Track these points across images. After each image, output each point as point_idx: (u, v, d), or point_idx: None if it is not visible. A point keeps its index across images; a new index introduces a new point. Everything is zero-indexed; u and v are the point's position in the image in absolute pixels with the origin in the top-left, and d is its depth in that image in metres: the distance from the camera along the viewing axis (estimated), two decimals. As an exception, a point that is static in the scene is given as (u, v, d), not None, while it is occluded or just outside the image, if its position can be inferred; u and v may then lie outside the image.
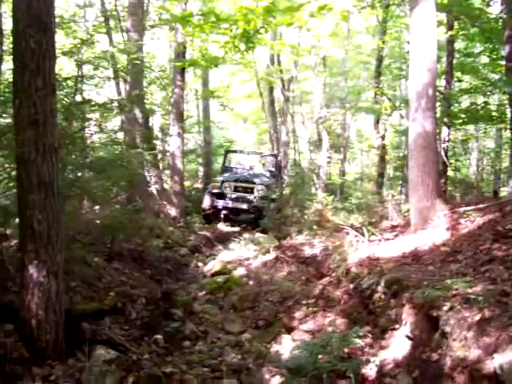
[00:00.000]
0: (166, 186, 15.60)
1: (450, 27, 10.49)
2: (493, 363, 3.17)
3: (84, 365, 3.58)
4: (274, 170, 16.23)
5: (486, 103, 10.74)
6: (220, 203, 14.00)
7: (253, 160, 17.34)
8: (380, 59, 16.14)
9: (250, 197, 14.01)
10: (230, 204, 13.94)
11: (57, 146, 3.44)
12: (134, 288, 6.55)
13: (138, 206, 8.69)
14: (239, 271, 7.96)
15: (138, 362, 3.97)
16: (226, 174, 15.39)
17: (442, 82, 11.13)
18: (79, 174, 6.09)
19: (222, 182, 14.51)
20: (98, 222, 6.92)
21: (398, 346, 4.30)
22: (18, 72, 3.34)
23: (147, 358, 4.20)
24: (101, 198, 6.77)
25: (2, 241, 5.43)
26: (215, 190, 14.23)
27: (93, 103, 7.39)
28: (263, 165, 16.82)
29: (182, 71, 13.37)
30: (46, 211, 3.37)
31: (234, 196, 14.13)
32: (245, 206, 13.87)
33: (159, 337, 5.20)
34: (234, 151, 18.45)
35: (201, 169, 21.81)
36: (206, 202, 14.15)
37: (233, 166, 16.51)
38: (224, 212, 14.26)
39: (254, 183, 14.34)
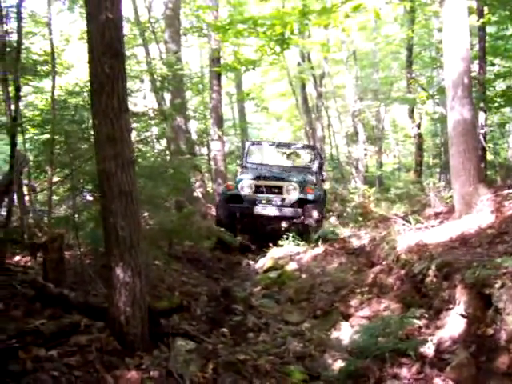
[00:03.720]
0: (208, 189, 16.00)
1: (481, 13, 10.59)
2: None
3: (168, 355, 3.96)
4: (311, 164, 12.72)
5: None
6: (236, 210, 10.97)
7: (284, 154, 13.67)
8: (410, 48, 16.25)
9: (278, 199, 10.79)
10: (250, 210, 10.71)
11: (133, 159, 3.84)
12: (195, 287, 6.93)
13: (192, 210, 9.09)
14: (291, 266, 8.26)
15: (215, 351, 4.33)
16: (244, 172, 11.91)
17: (475, 68, 11.23)
18: (141, 183, 6.49)
19: (239, 180, 11.22)
20: (155, 227, 7.30)
21: (453, 324, 4.52)
22: (95, 95, 3.75)
23: (221, 347, 4.55)
24: (159, 204, 7.17)
25: (66, 250, 5.86)
26: (229, 192, 11.08)
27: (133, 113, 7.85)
28: (297, 159, 13.47)
29: (218, 76, 13.78)
30: (127, 218, 3.76)
31: (255, 198, 10.82)
32: (271, 212, 10.66)
33: (225, 330, 5.54)
34: (258, 142, 14.36)
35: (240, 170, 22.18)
36: (220, 209, 11.21)
37: (257, 163, 12.75)
38: (241, 221, 11.41)
39: (284, 180, 11.00)
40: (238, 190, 10.99)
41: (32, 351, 3.42)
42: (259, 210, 10.65)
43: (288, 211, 10.72)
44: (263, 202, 10.81)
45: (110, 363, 3.52)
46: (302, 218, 10.64)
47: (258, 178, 11.01)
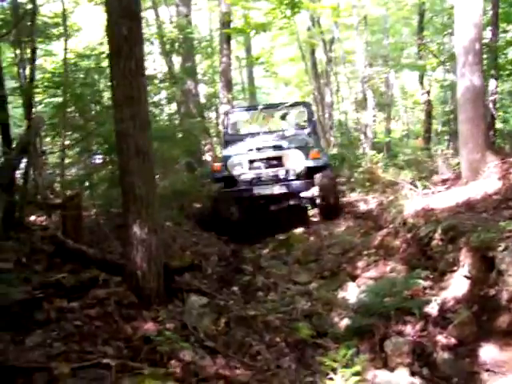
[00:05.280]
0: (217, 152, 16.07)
1: (495, -22, 10.46)
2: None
3: (183, 309, 4.16)
4: (306, 124, 10.59)
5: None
6: (231, 194, 8.66)
7: (273, 117, 11.69)
8: (422, 14, 16.08)
9: (280, 172, 8.91)
10: (248, 192, 8.72)
11: (149, 120, 3.96)
12: (205, 247, 7.13)
13: (203, 171, 9.20)
14: (299, 229, 8.40)
15: (226, 307, 4.52)
16: (231, 146, 9.76)
17: (487, 34, 11.15)
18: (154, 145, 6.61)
19: (227, 157, 9.17)
20: (167, 187, 7.45)
21: (457, 286, 4.66)
22: (113, 57, 3.85)
23: (232, 304, 4.75)
24: (171, 166, 7.31)
25: (83, 210, 6.02)
26: (218, 175, 9.00)
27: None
28: (289, 120, 11.27)
29: (228, 40, 13.72)
30: (144, 177, 3.90)
31: (251, 177, 8.91)
32: (275, 190, 8.69)
33: (235, 288, 5.76)
34: (240, 108, 12.58)
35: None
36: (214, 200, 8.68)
37: (242, 134, 10.76)
38: (241, 206, 8.85)
39: (282, 148, 9.08)
40: (227, 171, 8.96)
41: (55, 302, 3.61)
42: (260, 190, 8.71)
43: (297, 185, 8.82)
44: (263, 179, 8.90)
45: (127, 315, 3.71)
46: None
47: (249, 150, 9.05)
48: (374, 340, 4.23)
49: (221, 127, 11.30)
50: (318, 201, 8.78)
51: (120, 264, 4.27)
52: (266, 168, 8.95)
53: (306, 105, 11.24)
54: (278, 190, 8.70)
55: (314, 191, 8.71)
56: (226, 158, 9.17)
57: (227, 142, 10.15)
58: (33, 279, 3.91)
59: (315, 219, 8.96)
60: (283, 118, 11.32)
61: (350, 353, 3.43)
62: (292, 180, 8.88)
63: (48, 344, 3.03)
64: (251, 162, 8.95)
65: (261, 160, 8.96)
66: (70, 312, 3.55)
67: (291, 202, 9.28)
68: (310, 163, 8.95)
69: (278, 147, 9.06)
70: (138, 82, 3.79)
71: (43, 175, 7.66)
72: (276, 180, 8.82)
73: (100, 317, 3.58)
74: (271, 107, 11.75)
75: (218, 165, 9.23)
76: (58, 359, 2.86)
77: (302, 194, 8.86)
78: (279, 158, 8.96)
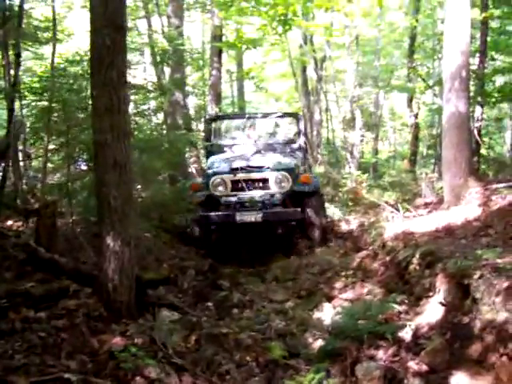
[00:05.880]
0: (203, 165, 16.02)
1: (484, 7, 10.60)
2: (519, 324, 3.53)
3: (153, 324, 4.09)
4: (295, 138, 9.75)
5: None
6: (210, 219, 7.94)
7: (259, 128, 10.31)
8: (413, 37, 16.26)
9: (265, 197, 8.12)
10: (230, 218, 7.85)
11: (128, 131, 3.92)
12: (183, 260, 7.06)
13: (185, 184, 9.14)
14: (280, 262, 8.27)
15: (198, 323, 4.46)
16: (214, 161, 8.85)
17: (475, 61, 11.28)
18: (136, 155, 6.57)
19: (208, 176, 8.43)
20: (147, 199, 7.39)
21: (431, 311, 4.63)
22: (95, 66, 3.82)
23: (205, 320, 4.69)
24: (153, 177, 7.26)
25: (58, 217, 5.95)
26: (198, 194, 8.35)
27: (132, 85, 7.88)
28: (277, 132, 10.30)
29: (219, 53, 13.77)
30: (120, 189, 3.85)
31: (234, 201, 8.13)
32: (260, 217, 7.80)
33: (210, 304, 5.69)
34: (224, 117, 11.59)
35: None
36: (192, 223, 8.29)
37: (225, 144, 9.61)
38: (220, 234, 8.44)
39: (269, 169, 8.27)
40: (209, 190, 8.26)
41: (21, 312, 3.54)
42: (243, 216, 7.82)
43: (285, 213, 8.09)
44: (246, 204, 8.09)
45: (96, 328, 3.65)
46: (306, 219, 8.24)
47: (234, 170, 8.23)
48: (346, 363, 4.18)
49: (203, 134, 10.52)
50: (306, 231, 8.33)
51: (92, 275, 4.21)
52: (250, 190, 8.20)
53: (297, 116, 10.32)
54: (261, 217, 7.81)
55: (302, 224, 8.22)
56: (207, 177, 8.44)
57: (209, 153, 9.49)
58: (1, 287, 3.83)
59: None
60: (269, 128, 10.37)
61: (318, 377, 3.38)
62: (277, 206, 8.14)
63: (9, 356, 2.96)
64: (234, 182, 8.20)
65: (245, 181, 8.20)
66: (36, 322, 3.49)
67: (279, 231, 8.40)
68: (299, 188, 8.35)
69: (263, 168, 8.28)
70: (118, 92, 3.76)
71: (26, 179, 7.60)
72: (260, 206, 8.02)
73: (67, 328, 3.52)
74: (257, 116, 10.56)
75: (197, 183, 8.80)
76: (18, 372, 2.79)
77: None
78: (265, 181, 8.25)
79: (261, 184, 8.24)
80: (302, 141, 9.69)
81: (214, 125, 9.91)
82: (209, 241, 8.30)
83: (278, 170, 8.25)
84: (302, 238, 8.40)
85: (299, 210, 8.04)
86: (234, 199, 8.12)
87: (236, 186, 8.19)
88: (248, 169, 8.23)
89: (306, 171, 9.53)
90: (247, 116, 10.59)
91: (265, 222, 7.87)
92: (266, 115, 10.52)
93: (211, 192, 8.21)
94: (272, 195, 8.15)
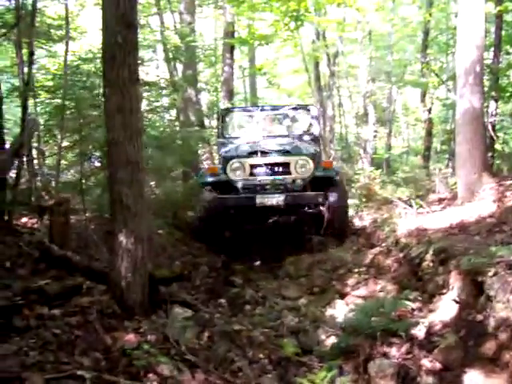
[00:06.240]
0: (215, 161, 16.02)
1: (498, 0, 10.48)
2: (533, 321, 3.50)
3: (165, 321, 4.11)
4: (308, 130, 9.40)
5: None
6: (229, 202, 7.71)
7: (274, 120, 9.86)
8: (427, 32, 16.11)
9: (287, 180, 7.86)
10: (250, 201, 7.53)
11: (141, 129, 3.94)
12: (196, 257, 7.08)
13: (197, 178, 9.14)
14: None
15: (211, 320, 4.47)
16: (230, 147, 8.65)
17: (489, 55, 11.17)
18: (149, 153, 6.59)
19: (225, 159, 8.10)
20: (161, 196, 7.42)
21: (445, 309, 4.61)
22: (107, 64, 3.83)
23: (217, 317, 4.70)
24: (166, 175, 7.28)
25: (72, 214, 5.99)
26: (211, 179, 8.05)
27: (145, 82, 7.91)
28: (292, 125, 9.68)
29: (231, 49, 13.76)
30: (132, 187, 3.87)
31: (254, 184, 7.85)
32: (281, 201, 7.51)
33: (223, 301, 5.71)
34: (237, 108, 11.26)
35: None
36: (201, 204, 7.73)
37: (238, 136, 9.27)
38: (238, 218, 8.03)
39: (290, 153, 7.96)
40: (226, 174, 7.89)
41: (35, 309, 3.56)
42: (263, 199, 7.50)
43: (308, 197, 7.75)
44: (268, 187, 7.79)
45: (109, 325, 3.67)
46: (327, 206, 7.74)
47: (253, 153, 7.91)
48: (359, 360, 4.18)
49: (216, 129, 10.20)
50: (325, 220, 7.71)
51: (105, 272, 4.23)
52: (270, 175, 7.86)
53: (312, 108, 9.93)
54: (283, 200, 7.49)
55: (325, 209, 7.68)
56: (225, 160, 8.03)
57: (223, 145, 9.03)
58: (15, 284, 3.86)
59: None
60: (284, 120, 9.80)
61: (330, 375, 3.38)
62: (299, 191, 7.81)
63: (24, 352, 2.97)
64: (253, 166, 7.87)
65: (265, 165, 7.87)
66: (50, 319, 3.51)
67: (292, 217, 8.33)
68: (321, 173, 8.02)
69: (284, 152, 7.95)
70: (130, 90, 3.77)
71: (40, 176, 7.65)
72: (282, 190, 7.74)
73: (80, 326, 3.54)
74: (272, 109, 10.21)
75: (215, 166, 8.28)
76: (33, 369, 2.81)
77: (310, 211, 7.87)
78: (286, 165, 7.88)
79: (281, 169, 7.90)
80: (316, 132, 9.43)
81: (227, 117, 9.56)
82: (220, 236, 7.98)
83: (299, 154, 7.97)
84: (316, 233, 8.00)
85: (322, 193, 7.72)
86: (253, 183, 7.83)
87: (255, 170, 7.89)
88: (268, 152, 7.90)
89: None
90: (260, 108, 10.13)
91: (286, 206, 7.56)
92: (279, 107, 10.29)
93: (229, 177, 7.88)
94: (293, 180, 7.87)
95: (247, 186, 7.83)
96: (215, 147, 12.82)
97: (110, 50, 3.78)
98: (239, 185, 7.85)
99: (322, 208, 7.71)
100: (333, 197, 7.80)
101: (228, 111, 9.86)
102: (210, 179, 8.00)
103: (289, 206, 7.66)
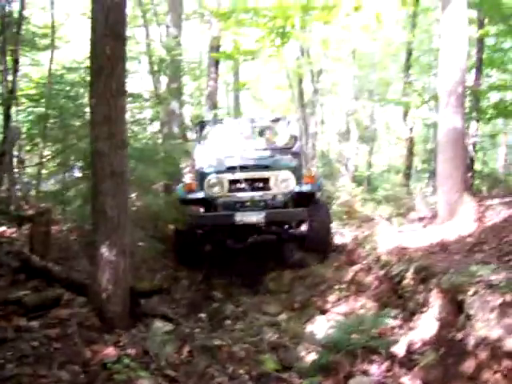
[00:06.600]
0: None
1: (481, 24, 10.71)
2: (513, 341, 3.52)
3: (145, 335, 4.06)
4: (292, 143, 8.63)
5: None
6: (207, 221, 7.55)
7: (253, 133, 9.00)
8: (409, 52, 16.35)
9: (267, 197, 7.54)
10: (229, 219, 7.23)
11: (126, 140, 3.92)
12: (176, 271, 7.03)
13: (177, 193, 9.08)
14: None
15: (191, 335, 4.44)
16: (207, 162, 8.08)
17: (471, 77, 11.35)
18: (131, 164, 6.54)
19: (202, 175, 7.72)
20: (142, 208, 7.37)
21: (425, 327, 4.62)
22: (94, 75, 3.82)
23: (198, 331, 4.66)
24: (148, 187, 7.24)
25: (53, 225, 5.91)
26: (191, 195, 7.68)
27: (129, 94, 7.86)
28: (271, 138, 9.00)
29: (217, 64, 13.79)
30: (116, 198, 3.84)
31: (233, 201, 7.53)
32: (258, 218, 7.21)
33: (203, 315, 5.68)
34: (213, 121, 10.20)
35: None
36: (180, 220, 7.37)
37: (218, 149, 8.44)
38: (217, 235, 7.93)
39: (270, 168, 7.64)
40: (204, 191, 7.57)
41: (13, 320, 3.51)
42: (243, 217, 7.19)
43: (290, 213, 7.53)
44: (248, 204, 7.48)
45: (88, 338, 3.61)
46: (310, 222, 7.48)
47: (231, 168, 7.56)
48: (339, 377, 4.18)
49: (193, 141, 9.58)
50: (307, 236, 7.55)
51: (85, 284, 4.19)
52: (249, 191, 7.51)
53: (292, 121, 9.38)
54: (264, 218, 7.18)
55: (306, 227, 7.53)
56: (202, 176, 7.67)
57: (200, 159, 8.39)
58: (-7, 295, 3.80)
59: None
60: (262, 133, 9.14)
61: (310, 392, 3.37)
62: (280, 207, 7.49)
63: (0, 365, 2.92)
64: (232, 182, 7.51)
65: (244, 181, 7.48)
66: (28, 331, 3.45)
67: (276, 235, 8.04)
68: (303, 188, 7.62)
69: (264, 167, 7.64)
70: (117, 101, 3.76)
71: (20, 185, 7.56)
72: (262, 206, 7.41)
73: (59, 338, 3.48)
74: (249, 121, 9.40)
75: (192, 183, 7.75)
76: (10, 382, 2.76)
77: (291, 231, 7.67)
78: (266, 180, 7.54)
79: (261, 184, 7.56)
80: (297, 144, 8.74)
81: (204, 130, 8.95)
82: (199, 254, 7.64)
83: (279, 169, 7.63)
84: (298, 249, 7.80)
85: (305, 209, 7.39)
86: (232, 200, 7.48)
87: (234, 186, 7.54)
88: (247, 167, 7.56)
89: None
90: (238, 120, 9.81)
91: (267, 223, 7.33)
92: (257, 119, 9.58)
93: (206, 193, 7.54)
94: (274, 196, 7.54)
95: (226, 204, 7.54)
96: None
97: (98, 60, 3.77)
98: (218, 202, 7.56)
99: (303, 225, 7.58)
100: (315, 213, 7.53)
101: (205, 123, 9.34)
102: (187, 196, 7.69)
103: (269, 223, 7.49)
